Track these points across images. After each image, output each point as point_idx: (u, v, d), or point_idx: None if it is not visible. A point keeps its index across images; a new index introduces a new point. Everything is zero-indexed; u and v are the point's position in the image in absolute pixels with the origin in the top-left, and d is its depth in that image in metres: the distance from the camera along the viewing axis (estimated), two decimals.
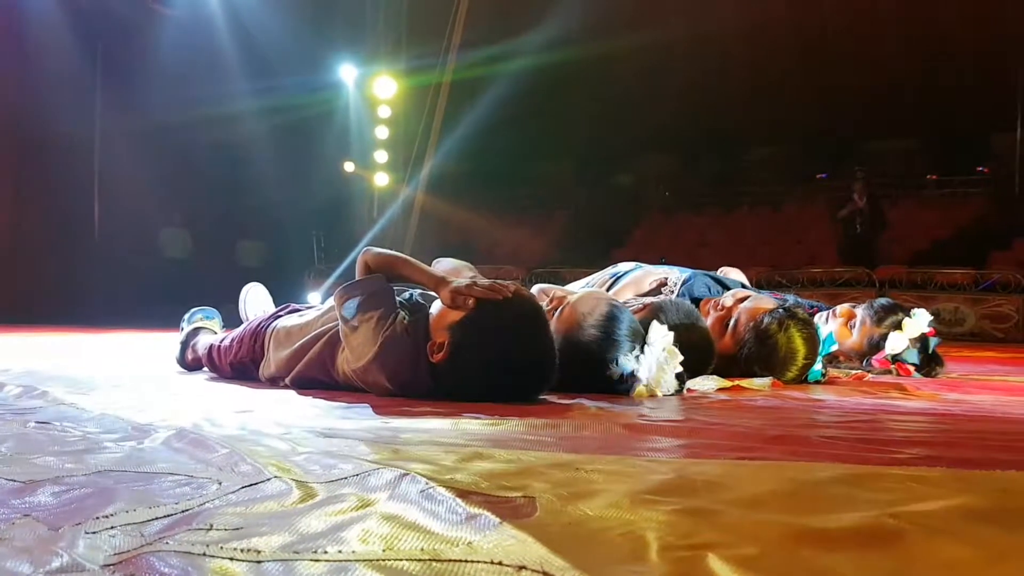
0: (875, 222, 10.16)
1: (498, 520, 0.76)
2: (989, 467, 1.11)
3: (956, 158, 13.56)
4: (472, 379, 1.80)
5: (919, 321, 3.04)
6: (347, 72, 10.11)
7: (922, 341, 3.04)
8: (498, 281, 1.90)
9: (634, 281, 2.97)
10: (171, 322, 2.96)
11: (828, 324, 3.18)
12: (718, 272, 3.25)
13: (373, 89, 10.04)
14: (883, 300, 3.31)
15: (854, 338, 3.13)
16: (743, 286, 3.03)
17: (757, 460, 1.14)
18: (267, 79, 9.13)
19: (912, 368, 2.99)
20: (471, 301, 1.80)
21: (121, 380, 2.29)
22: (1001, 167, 13.13)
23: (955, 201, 12.90)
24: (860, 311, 3.18)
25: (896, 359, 3.01)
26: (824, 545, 0.73)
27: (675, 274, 2.93)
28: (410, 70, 9.98)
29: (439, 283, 1.91)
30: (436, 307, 1.90)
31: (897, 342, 3.00)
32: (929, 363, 3.05)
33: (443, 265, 2.21)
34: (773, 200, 13.98)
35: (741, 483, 0.96)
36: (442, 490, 0.86)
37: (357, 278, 2.00)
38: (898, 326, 3.03)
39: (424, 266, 2.03)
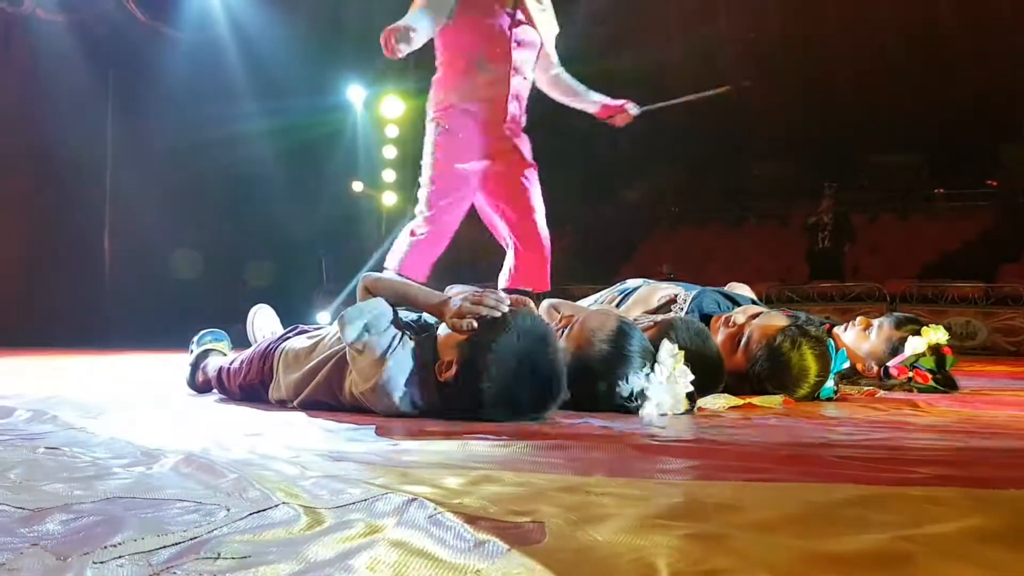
0: (840, 237, 10.12)
1: (507, 547, 0.75)
2: (1003, 486, 1.10)
3: (964, 171, 13.52)
4: (481, 397, 1.79)
5: (938, 331, 3.03)
6: (355, 92, 10.17)
7: (938, 357, 3.03)
8: (489, 290, 1.90)
9: (642, 298, 2.96)
10: (181, 343, 2.96)
11: (846, 332, 3.18)
12: (726, 287, 3.24)
13: (381, 109, 10.09)
14: (901, 313, 3.32)
15: (873, 340, 3.11)
16: (753, 302, 3.02)
17: (769, 481, 1.13)
18: (276, 100, 9.18)
19: (930, 375, 2.97)
20: (472, 323, 1.81)
21: (131, 403, 2.29)
22: (1009, 180, 13.09)
23: (964, 214, 12.84)
24: (878, 319, 3.19)
25: (914, 365, 2.99)
26: (836, 570, 0.72)
27: (682, 291, 2.93)
28: (417, 90, 10.00)
29: (439, 306, 1.92)
30: (443, 329, 1.90)
31: (917, 344, 2.98)
32: (945, 379, 3.03)
33: (453, 291, 2.21)
34: (780, 214, 13.96)
35: (753, 506, 0.95)
36: (450, 515, 0.86)
37: (359, 302, 2.00)
38: (917, 332, 3.03)
39: (424, 289, 2.04)
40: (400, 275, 3.49)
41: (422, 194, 3.64)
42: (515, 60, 3.54)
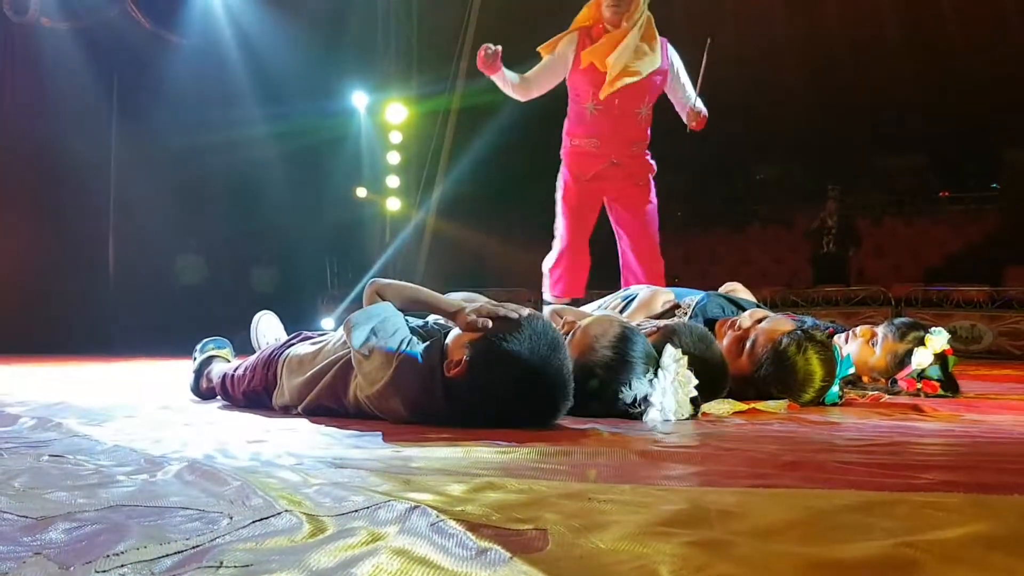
0: (846, 241, 10.07)
1: (509, 555, 0.75)
2: (1008, 491, 1.09)
3: (969, 174, 13.48)
4: (489, 398, 1.78)
5: (940, 337, 3.02)
6: (359, 99, 10.19)
7: (942, 360, 3.02)
8: (510, 304, 1.91)
9: (644, 303, 2.96)
10: (186, 349, 2.97)
11: (848, 345, 3.16)
12: (722, 288, 3.24)
13: (385, 115, 10.11)
14: (901, 318, 3.29)
15: (877, 356, 3.10)
16: (758, 306, 3.02)
17: (772, 488, 1.13)
18: (279, 106, 9.22)
19: (938, 384, 2.96)
20: (488, 322, 1.81)
21: (135, 410, 2.29)
22: (1014, 182, 13.04)
23: (968, 218, 12.80)
24: (880, 329, 3.16)
25: (922, 376, 2.98)
26: None
27: (687, 297, 2.92)
28: (420, 96, 10.04)
29: (452, 310, 1.91)
30: (453, 334, 1.90)
31: (923, 357, 2.97)
32: (949, 382, 3.02)
33: (453, 298, 2.21)
34: (784, 218, 13.92)
35: (756, 512, 0.95)
36: (452, 523, 0.86)
37: (365, 306, 2.01)
38: (921, 342, 3.01)
39: (434, 294, 2.03)
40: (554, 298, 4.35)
41: (556, 224, 4.55)
42: (620, 103, 4.27)
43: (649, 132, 4.47)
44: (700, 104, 4.37)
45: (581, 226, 4.50)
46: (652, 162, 4.52)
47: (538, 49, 4.38)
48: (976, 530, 0.85)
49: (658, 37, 4.34)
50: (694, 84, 4.39)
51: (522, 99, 4.43)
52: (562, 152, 4.52)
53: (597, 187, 4.46)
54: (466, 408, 1.81)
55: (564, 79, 4.40)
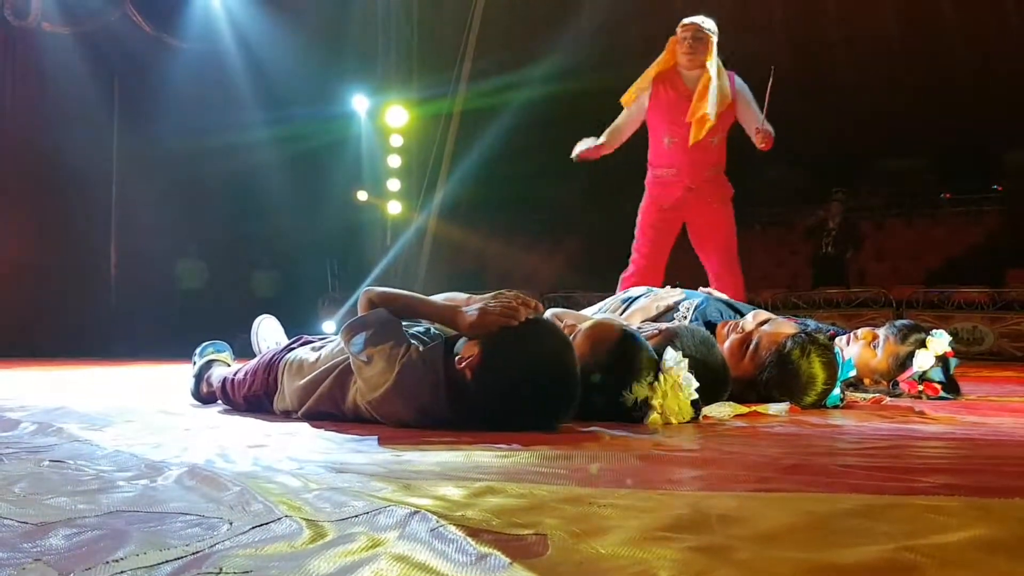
0: (846, 243, 10.03)
1: (508, 561, 0.75)
2: (1008, 495, 1.09)
3: (970, 176, 13.46)
4: (498, 396, 1.78)
5: (941, 340, 3.01)
6: (359, 102, 10.20)
7: (943, 362, 3.01)
8: (503, 293, 1.89)
9: (642, 306, 2.96)
10: (187, 353, 2.97)
11: (850, 347, 3.15)
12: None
13: (385, 118, 10.11)
14: (903, 320, 3.28)
15: (879, 358, 3.09)
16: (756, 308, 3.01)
17: (773, 492, 1.12)
18: (280, 110, 9.23)
19: (939, 387, 2.95)
20: (493, 328, 1.80)
21: (136, 414, 2.29)
22: (1015, 184, 13.03)
23: (970, 219, 12.79)
24: (882, 332, 3.15)
25: (923, 378, 2.98)
26: None
27: (687, 301, 2.92)
28: (421, 100, 10.04)
29: (452, 315, 1.90)
30: (462, 341, 1.89)
31: (924, 359, 2.96)
32: (950, 385, 3.01)
33: (435, 300, 2.19)
34: (785, 221, 13.91)
35: (756, 517, 0.95)
36: (452, 528, 0.85)
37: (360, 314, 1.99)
38: (922, 344, 3.00)
39: (430, 300, 2.03)
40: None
41: (635, 244, 4.84)
42: (693, 133, 4.60)
43: (724, 157, 4.81)
44: (767, 125, 4.60)
45: (659, 247, 4.80)
46: (729, 184, 4.84)
47: (621, 100, 4.81)
48: (977, 534, 0.85)
49: (725, 72, 4.65)
50: (760, 108, 4.63)
51: (611, 151, 4.81)
52: (646, 181, 4.87)
53: (676, 214, 4.78)
54: (472, 410, 1.81)
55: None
